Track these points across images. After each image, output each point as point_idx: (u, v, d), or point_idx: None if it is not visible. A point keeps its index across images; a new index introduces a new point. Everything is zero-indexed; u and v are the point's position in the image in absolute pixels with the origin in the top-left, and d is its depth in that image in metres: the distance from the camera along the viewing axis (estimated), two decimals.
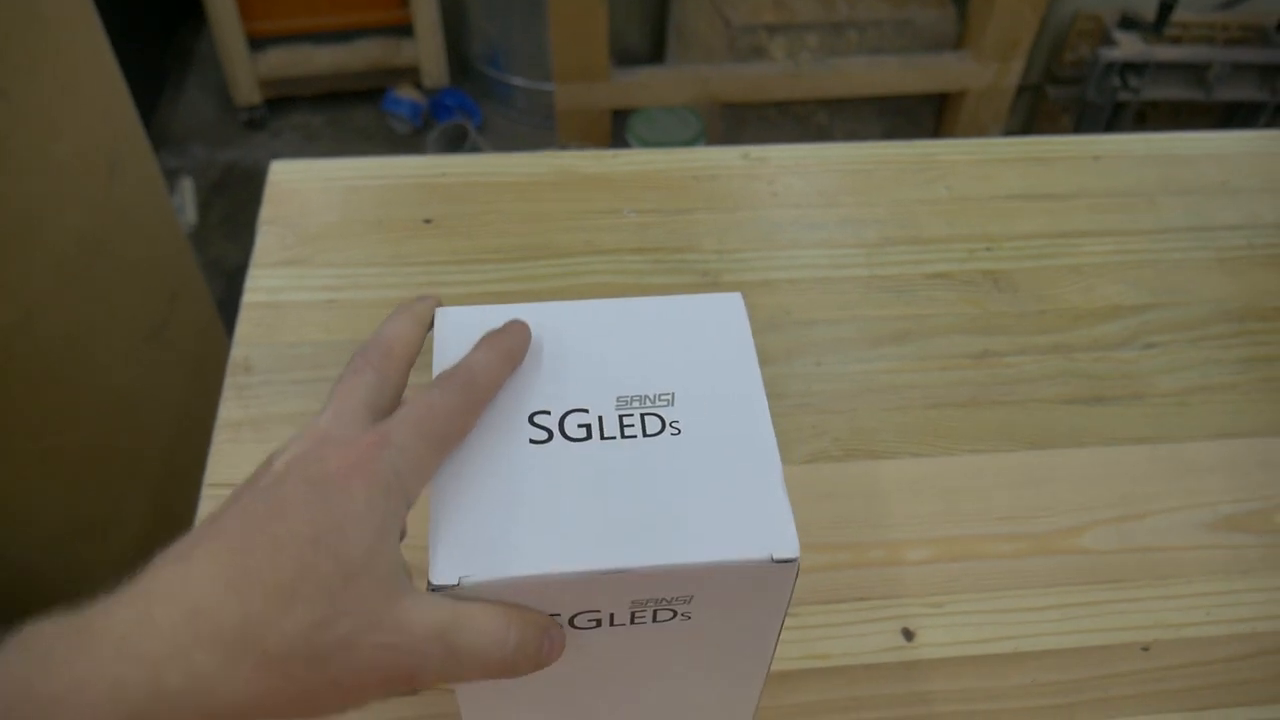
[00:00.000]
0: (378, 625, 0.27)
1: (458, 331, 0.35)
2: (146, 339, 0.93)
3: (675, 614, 0.32)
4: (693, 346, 0.35)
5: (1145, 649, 0.46)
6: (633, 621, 0.32)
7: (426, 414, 0.30)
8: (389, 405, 0.31)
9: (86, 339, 0.84)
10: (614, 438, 0.33)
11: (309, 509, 0.28)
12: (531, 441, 0.33)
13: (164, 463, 0.96)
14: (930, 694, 0.44)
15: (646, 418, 0.33)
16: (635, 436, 0.33)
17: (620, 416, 0.33)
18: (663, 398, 0.34)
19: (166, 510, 0.95)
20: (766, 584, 0.31)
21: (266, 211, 0.62)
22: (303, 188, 0.64)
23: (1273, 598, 0.48)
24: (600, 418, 0.33)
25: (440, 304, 0.35)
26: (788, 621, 0.46)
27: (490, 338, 0.33)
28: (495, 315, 0.36)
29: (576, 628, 0.32)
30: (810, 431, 0.53)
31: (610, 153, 0.66)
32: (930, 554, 0.48)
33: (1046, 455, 0.52)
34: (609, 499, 0.31)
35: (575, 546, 0.31)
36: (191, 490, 0.50)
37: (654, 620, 0.32)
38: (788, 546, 0.30)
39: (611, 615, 0.32)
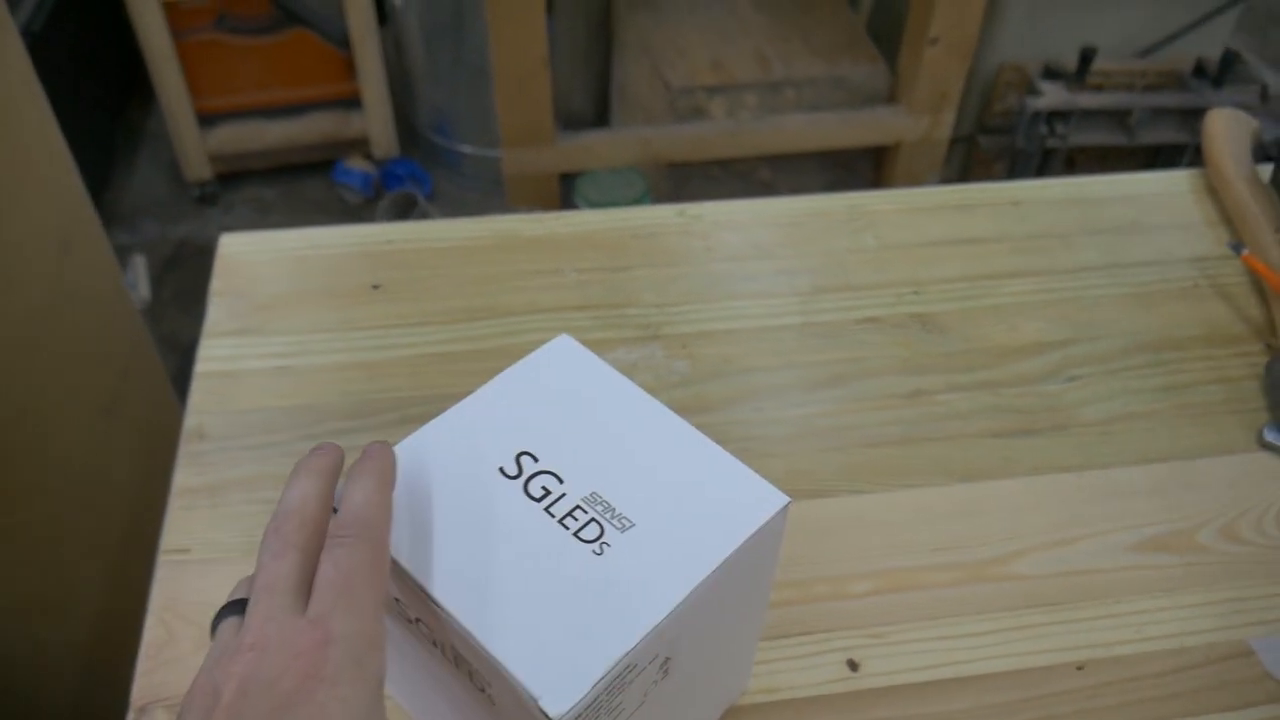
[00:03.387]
0: None
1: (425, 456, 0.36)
2: (100, 414, 0.94)
3: (484, 690, 0.34)
4: (697, 506, 0.35)
5: (1080, 668, 0.48)
6: (456, 665, 0.34)
7: (349, 583, 0.30)
8: (312, 577, 0.31)
9: (40, 415, 0.85)
10: (554, 517, 0.35)
11: None
12: (501, 470, 0.35)
13: (120, 538, 0.95)
14: None
15: (592, 524, 0.34)
16: (569, 528, 0.34)
17: (577, 506, 0.35)
18: (622, 520, 0.35)
19: (124, 586, 0.95)
20: None
21: (217, 283, 0.64)
22: (252, 259, 0.65)
23: (1198, 613, 0.50)
24: (564, 495, 0.35)
25: (337, 454, 0.34)
26: None
27: (360, 470, 0.33)
28: (601, 375, 0.39)
29: (423, 632, 0.34)
30: None
31: (552, 215, 0.69)
32: (872, 586, 0.50)
33: (979, 487, 0.55)
34: (495, 557, 0.33)
35: (430, 561, 0.33)
36: (148, 563, 0.50)
37: (470, 679, 0.34)
38: (560, 704, 0.30)
39: (443, 645, 0.34)
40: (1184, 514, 0.54)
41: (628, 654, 0.31)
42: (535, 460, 0.36)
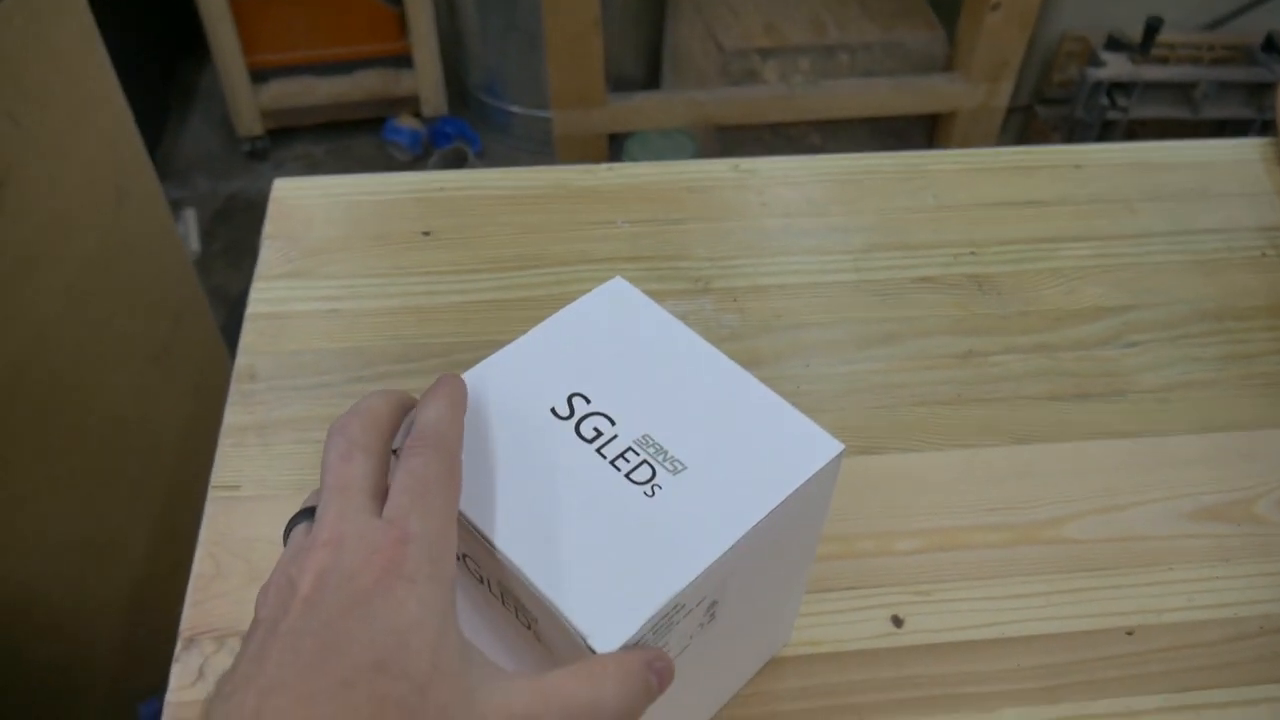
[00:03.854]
0: None
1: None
2: (150, 361, 0.95)
3: (529, 626, 0.34)
4: (751, 450, 0.35)
5: (1129, 633, 0.47)
6: (504, 602, 0.34)
7: (423, 489, 0.30)
8: (383, 486, 0.31)
9: (93, 362, 0.86)
10: (605, 459, 0.34)
11: (361, 632, 0.27)
12: (553, 410, 0.35)
13: (168, 483, 0.97)
14: (919, 678, 0.45)
15: (644, 465, 0.34)
16: (619, 470, 0.34)
17: (629, 448, 0.35)
18: (675, 463, 0.34)
19: (170, 531, 0.97)
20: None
21: (270, 227, 0.64)
22: (305, 204, 0.66)
23: (1253, 584, 0.49)
24: (615, 437, 0.35)
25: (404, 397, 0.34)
26: None
27: (434, 392, 0.34)
28: (655, 317, 0.38)
29: (467, 568, 0.34)
30: None
31: (604, 166, 0.68)
32: (918, 545, 0.50)
33: (1031, 450, 0.54)
34: (547, 495, 0.33)
35: (481, 497, 0.33)
36: (195, 508, 0.51)
37: (515, 615, 0.34)
38: (608, 641, 0.30)
39: (488, 581, 0.34)
40: (1242, 484, 0.53)
41: (677, 595, 0.31)
42: (588, 402, 0.36)
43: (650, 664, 0.30)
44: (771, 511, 0.33)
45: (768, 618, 0.42)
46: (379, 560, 0.28)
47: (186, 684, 0.44)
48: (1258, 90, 1.71)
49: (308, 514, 0.31)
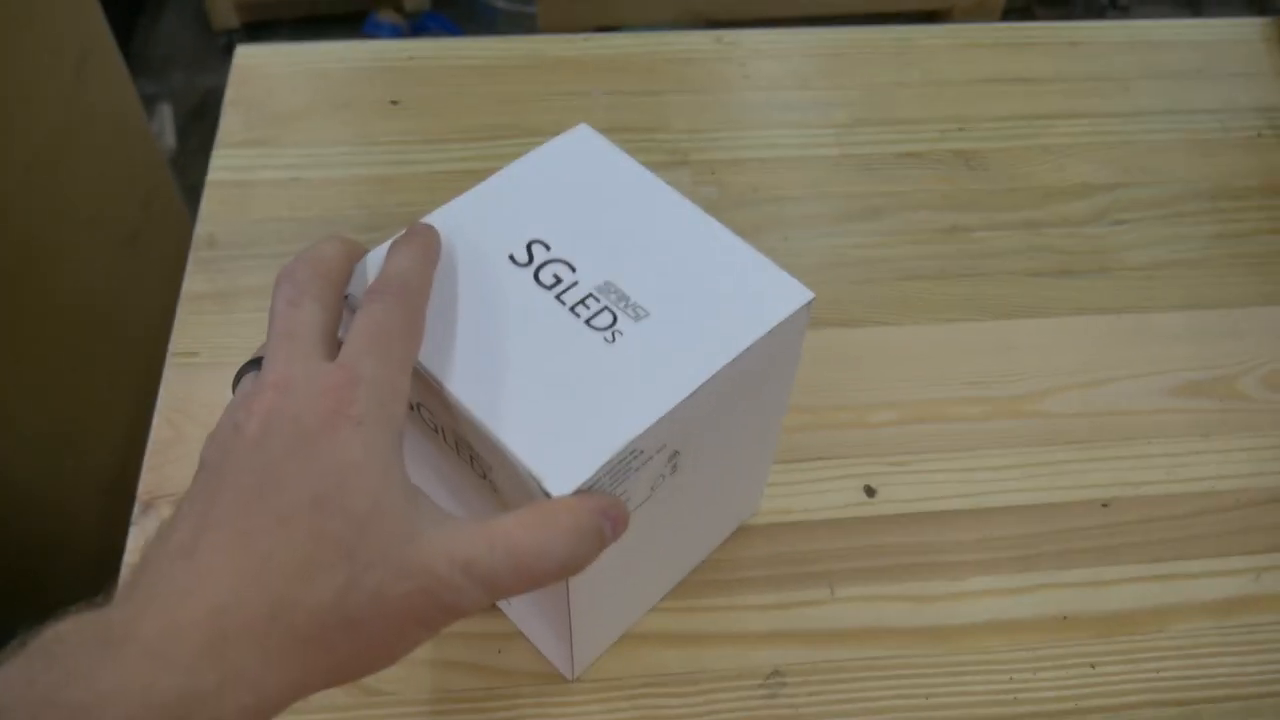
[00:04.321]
0: (404, 570, 0.26)
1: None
2: (121, 245, 0.93)
3: (484, 475, 0.33)
4: (716, 298, 0.33)
5: (1104, 505, 0.46)
6: (458, 451, 0.33)
7: (382, 335, 0.29)
8: (333, 333, 0.30)
9: (61, 240, 0.84)
10: (565, 305, 0.33)
11: (302, 471, 0.26)
12: (511, 257, 0.34)
13: (144, 370, 0.95)
14: (890, 546, 0.45)
15: (605, 312, 0.33)
16: (578, 316, 0.33)
17: (589, 295, 0.33)
18: (636, 309, 0.33)
19: (148, 420, 0.95)
20: None
21: (232, 93, 0.61)
22: (268, 71, 0.63)
23: (1231, 458, 0.48)
24: (575, 283, 0.34)
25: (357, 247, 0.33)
26: None
27: (404, 239, 0.33)
28: (620, 165, 0.37)
29: (423, 418, 0.33)
30: None
31: (582, 36, 0.65)
32: (895, 416, 0.49)
33: (1012, 325, 0.52)
34: (503, 340, 0.32)
35: (435, 344, 0.31)
36: None
37: (470, 465, 0.33)
38: (561, 484, 0.29)
39: (443, 430, 0.33)
40: (1226, 361, 0.52)
41: (635, 439, 0.30)
42: (547, 249, 0.34)
43: (604, 511, 0.29)
44: (736, 358, 0.32)
45: (734, 479, 0.41)
46: (326, 401, 0.27)
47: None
48: None
49: (256, 363, 0.30)
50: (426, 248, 0.33)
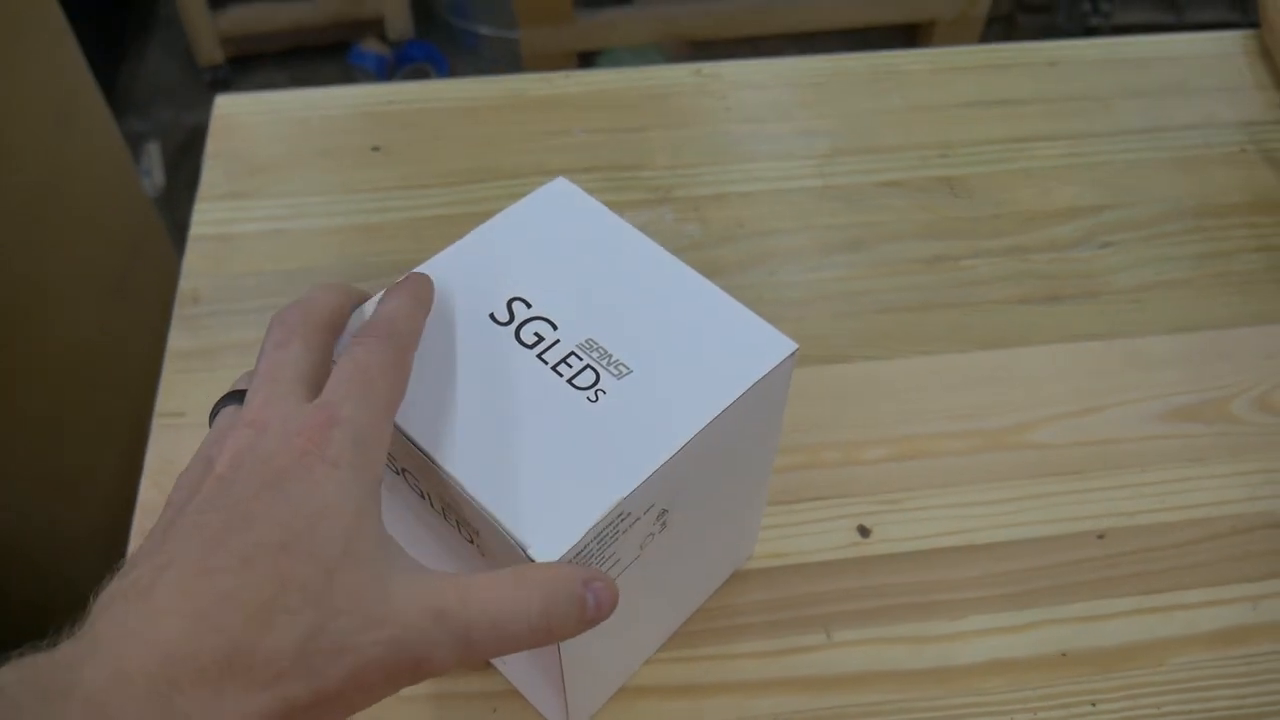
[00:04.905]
0: (372, 619, 0.25)
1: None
2: (109, 295, 0.93)
3: (473, 540, 0.32)
4: (699, 353, 0.33)
5: (1100, 537, 0.46)
6: (444, 517, 0.33)
7: (363, 377, 0.28)
8: (320, 378, 0.29)
9: (46, 293, 0.84)
10: (547, 364, 0.33)
11: (272, 512, 0.25)
12: (491, 316, 0.34)
13: (134, 419, 0.95)
14: (887, 587, 0.44)
15: (587, 370, 0.33)
16: (561, 376, 0.32)
17: (572, 353, 0.33)
18: (620, 367, 0.33)
19: (139, 466, 0.95)
20: None
21: (212, 145, 0.61)
22: (249, 121, 0.63)
23: (1225, 484, 0.48)
24: (557, 342, 0.33)
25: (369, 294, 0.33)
26: None
27: (397, 287, 0.32)
28: (600, 218, 0.37)
29: (408, 484, 0.33)
30: None
31: (561, 74, 0.65)
32: (885, 453, 0.48)
33: (1000, 354, 0.52)
34: (486, 404, 0.32)
35: (420, 411, 0.31)
36: None
37: (459, 531, 0.33)
38: (550, 551, 0.29)
39: (430, 497, 0.33)
40: (1217, 384, 0.52)
41: (620, 502, 0.30)
42: (528, 306, 0.34)
43: (587, 583, 0.28)
44: (721, 414, 0.32)
45: (727, 529, 0.41)
46: (300, 442, 0.26)
47: None
48: None
49: (236, 396, 0.30)
50: (419, 294, 0.32)
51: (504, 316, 0.34)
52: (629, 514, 0.31)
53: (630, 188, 0.59)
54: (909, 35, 1.77)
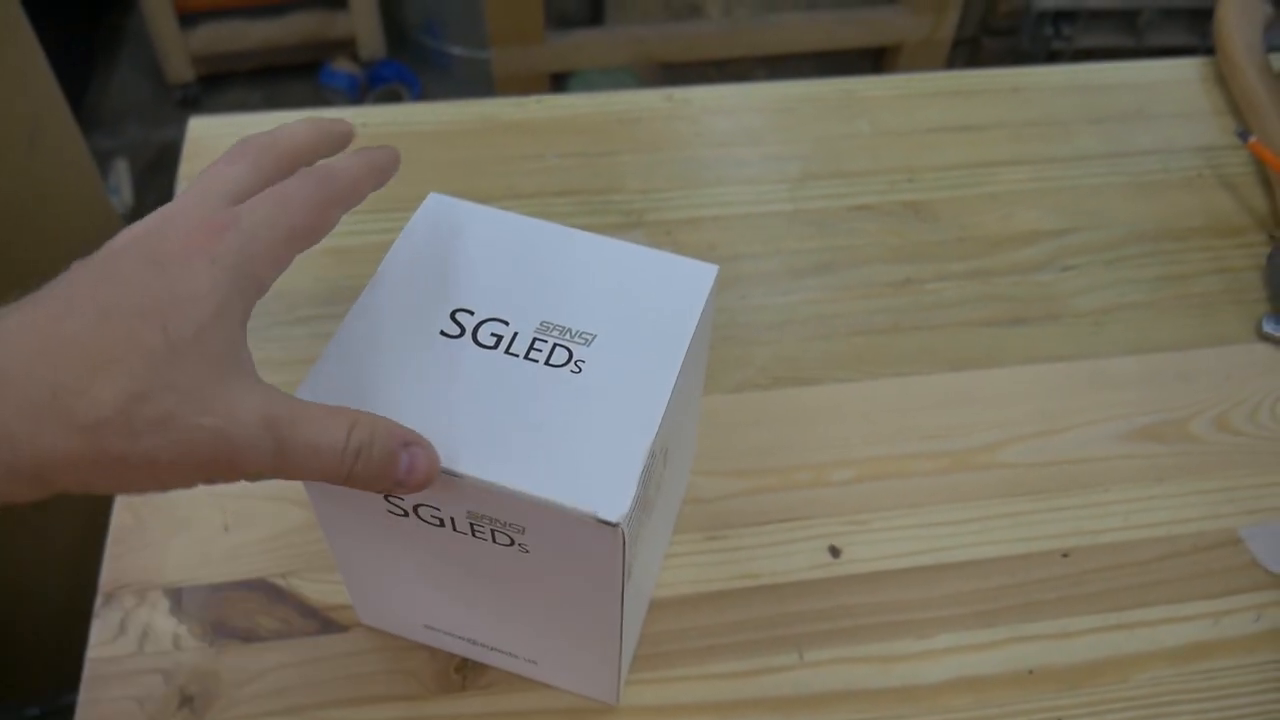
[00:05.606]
0: (202, 405, 0.26)
1: (441, 220, 0.38)
2: None
3: (512, 542, 0.33)
4: (642, 299, 0.36)
5: (1065, 555, 0.47)
6: (473, 533, 0.33)
7: (280, 202, 0.30)
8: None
9: None
10: (517, 356, 0.34)
11: (142, 283, 0.27)
12: (442, 333, 0.34)
13: None
14: (857, 607, 0.45)
15: (557, 348, 0.34)
16: (537, 361, 0.34)
17: (534, 339, 0.34)
18: (584, 335, 0.34)
19: (109, 502, 0.94)
20: (591, 542, 0.31)
21: (185, 168, 0.61)
22: (223, 144, 0.63)
23: (1186, 502, 0.49)
24: (516, 334, 0.34)
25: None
26: (717, 544, 0.46)
27: (361, 150, 0.34)
28: (486, 216, 0.38)
29: (421, 519, 0.33)
30: (736, 362, 0.53)
31: (533, 99, 0.66)
32: (855, 474, 0.49)
33: (966, 376, 0.53)
34: (481, 408, 0.32)
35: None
36: None
37: (493, 540, 0.33)
38: (615, 510, 0.30)
39: (453, 519, 0.33)
40: (1177, 404, 0.53)
41: (652, 444, 0.32)
42: (472, 314, 0.35)
43: (407, 444, 0.30)
44: (690, 341, 0.34)
45: (685, 449, 0.43)
46: (196, 236, 0.28)
47: (107, 640, 0.43)
48: (1200, 16, 1.71)
49: None
50: (375, 162, 0.34)
51: (454, 330, 0.34)
52: (655, 454, 0.33)
53: (603, 211, 0.60)
54: (876, 58, 1.79)
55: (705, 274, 0.37)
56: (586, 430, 0.32)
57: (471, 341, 0.34)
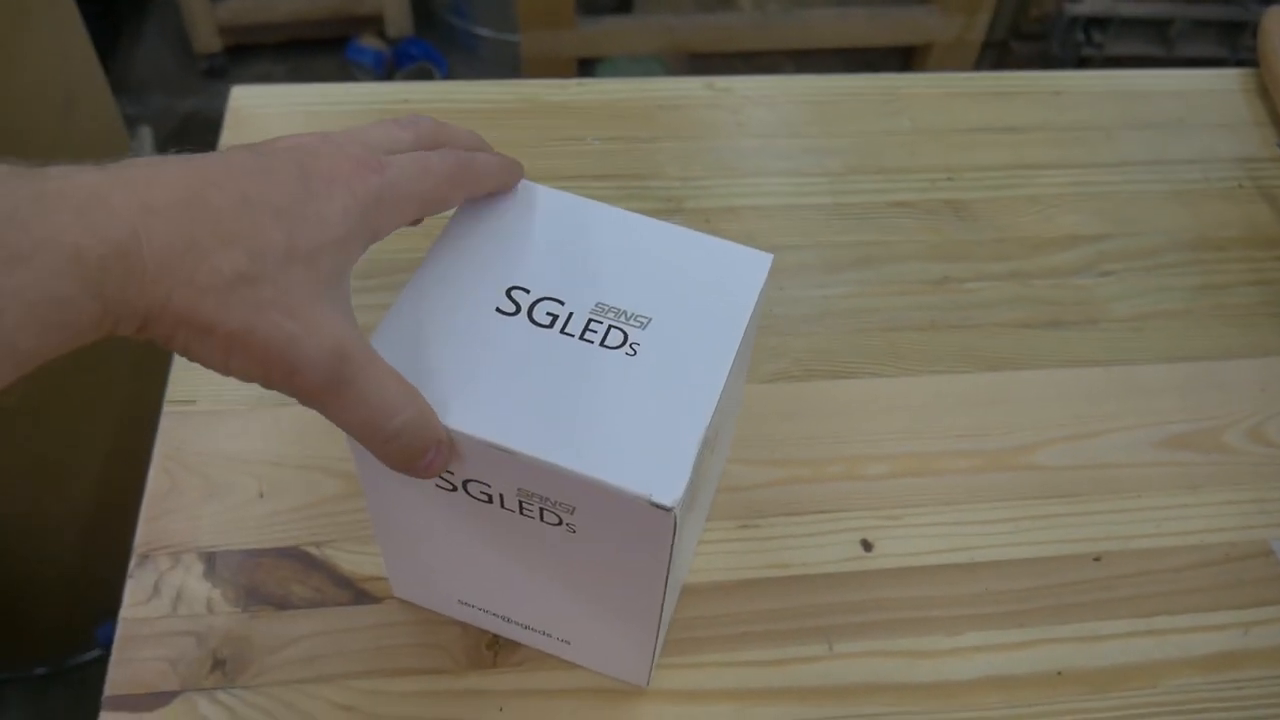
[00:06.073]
0: (292, 309, 0.28)
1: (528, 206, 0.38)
2: None
3: (560, 521, 0.33)
4: (697, 284, 0.36)
5: (1096, 560, 0.47)
6: (521, 511, 0.33)
7: (423, 170, 0.32)
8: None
9: None
10: (573, 336, 0.34)
11: (288, 188, 0.28)
12: (498, 310, 0.34)
13: (120, 404, 0.95)
14: (887, 601, 0.45)
15: (612, 330, 0.34)
16: (592, 343, 0.34)
17: (590, 320, 0.34)
18: (639, 319, 0.34)
19: (123, 451, 0.94)
20: (643, 525, 0.31)
21: (227, 136, 0.61)
22: (264, 114, 0.63)
23: (1219, 512, 0.49)
24: (571, 314, 0.34)
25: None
26: (750, 533, 0.47)
27: (498, 153, 0.37)
28: (543, 195, 0.38)
29: (470, 495, 0.33)
30: (771, 353, 0.53)
31: (574, 82, 0.66)
32: (888, 469, 0.49)
33: (1002, 376, 0.53)
34: (536, 387, 0.32)
35: (478, 413, 0.32)
36: (148, 430, 0.49)
37: (541, 519, 0.33)
38: (669, 494, 0.30)
39: (501, 496, 0.33)
40: (1211, 413, 0.53)
41: (706, 430, 0.32)
42: (527, 292, 0.35)
43: (439, 442, 0.31)
44: (745, 327, 0.35)
45: (727, 435, 0.43)
46: (345, 163, 0.30)
47: (141, 600, 0.43)
48: (1231, 29, 1.70)
49: None
50: (507, 165, 0.37)
51: (510, 307, 0.34)
52: (708, 440, 0.33)
53: (642, 197, 0.59)
54: (905, 57, 1.79)
55: (760, 262, 0.37)
56: (641, 413, 0.32)
57: (527, 320, 0.34)
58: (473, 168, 0.35)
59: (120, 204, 0.25)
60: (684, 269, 0.36)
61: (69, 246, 0.24)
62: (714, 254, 0.37)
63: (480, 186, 0.36)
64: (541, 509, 0.33)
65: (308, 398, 0.29)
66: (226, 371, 0.28)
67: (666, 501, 0.30)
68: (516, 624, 0.41)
